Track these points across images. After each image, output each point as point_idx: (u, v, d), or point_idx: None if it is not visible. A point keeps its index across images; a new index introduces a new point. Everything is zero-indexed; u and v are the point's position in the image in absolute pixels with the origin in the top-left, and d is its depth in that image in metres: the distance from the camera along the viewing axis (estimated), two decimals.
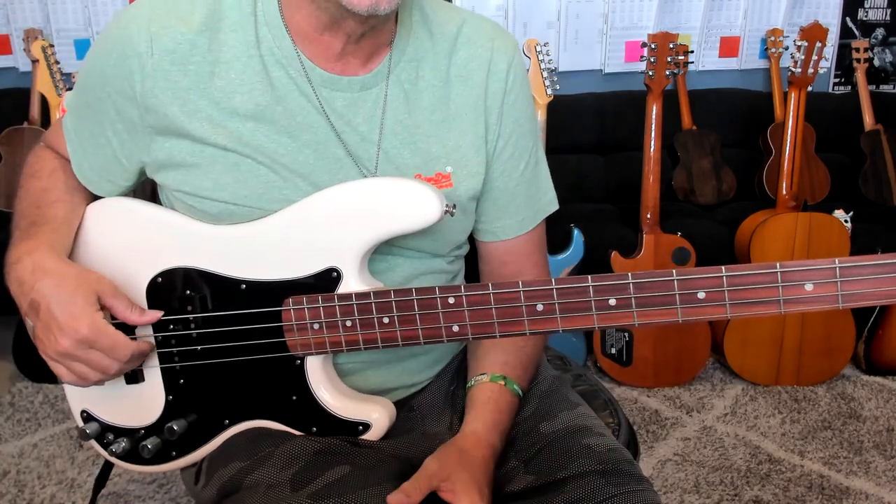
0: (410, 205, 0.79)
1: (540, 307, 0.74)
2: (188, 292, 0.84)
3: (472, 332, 0.76)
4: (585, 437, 0.87)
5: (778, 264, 0.68)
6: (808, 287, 0.68)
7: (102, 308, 0.81)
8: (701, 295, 0.69)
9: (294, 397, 0.84)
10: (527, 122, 0.92)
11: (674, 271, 0.70)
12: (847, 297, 0.67)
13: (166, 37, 0.79)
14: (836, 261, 0.67)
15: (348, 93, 0.83)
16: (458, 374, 0.97)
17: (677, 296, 0.70)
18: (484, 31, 0.89)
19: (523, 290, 0.74)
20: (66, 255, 0.85)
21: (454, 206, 0.82)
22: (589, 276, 0.72)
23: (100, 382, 0.82)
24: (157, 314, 0.84)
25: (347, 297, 0.79)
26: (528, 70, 2.27)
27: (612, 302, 0.71)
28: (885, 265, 0.66)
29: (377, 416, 0.85)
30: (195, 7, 0.80)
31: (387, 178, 0.82)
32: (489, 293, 0.75)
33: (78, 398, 0.91)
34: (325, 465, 0.80)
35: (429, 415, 0.93)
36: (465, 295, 0.75)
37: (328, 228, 0.80)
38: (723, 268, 0.69)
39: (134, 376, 0.87)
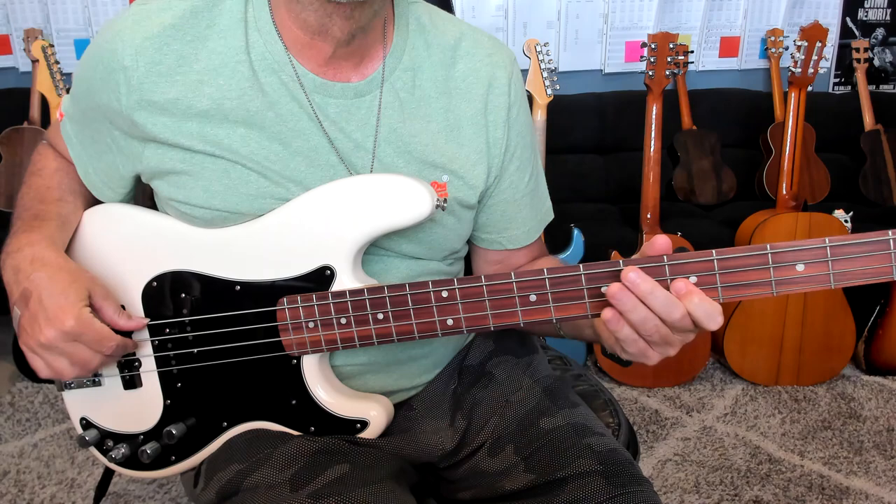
0: (401, 199, 0.79)
1: (533, 297, 0.74)
2: (183, 295, 0.84)
3: (466, 325, 0.76)
4: (586, 437, 0.87)
5: (768, 246, 0.68)
6: (800, 268, 0.68)
7: (92, 308, 0.81)
8: (693, 279, 0.69)
9: (291, 397, 0.84)
10: (528, 133, 0.93)
11: (664, 256, 0.69)
12: (839, 276, 0.67)
13: (152, 48, 0.78)
14: (827, 240, 0.67)
15: (341, 99, 0.83)
16: (458, 374, 0.97)
17: (669, 281, 0.70)
18: (482, 45, 0.89)
19: (516, 282, 0.74)
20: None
21: (445, 201, 0.82)
22: (581, 265, 0.72)
23: (77, 378, 0.82)
24: (143, 320, 0.84)
25: (341, 294, 0.79)
26: (528, 70, 2.27)
27: (605, 289, 0.71)
28: (876, 243, 0.66)
29: (375, 414, 0.85)
30: (182, 16, 0.79)
31: (377, 175, 0.82)
32: (482, 285, 0.75)
33: (77, 406, 0.91)
34: (324, 465, 0.80)
35: (428, 413, 0.93)
36: (459, 288, 0.75)
37: (320, 226, 0.80)
38: (713, 251, 0.69)
39: (132, 382, 0.87)
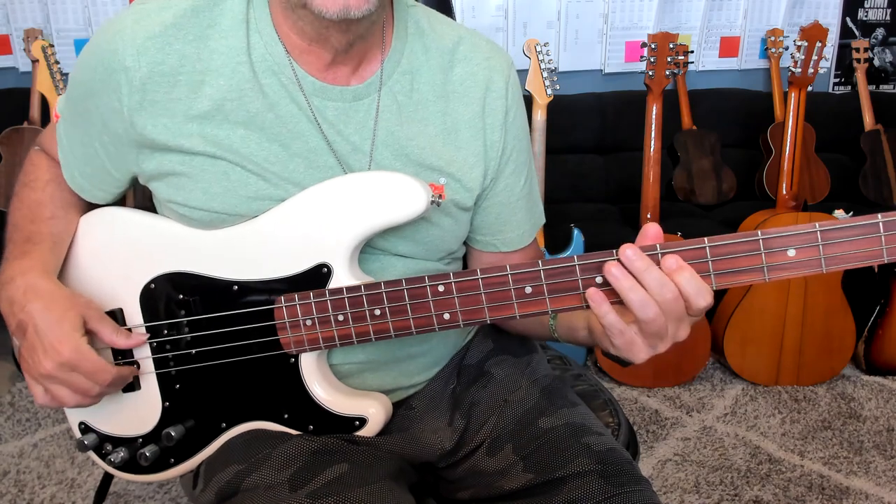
0: (396, 196, 0.79)
1: (528, 290, 0.74)
2: (181, 296, 0.84)
3: (462, 319, 0.77)
4: (584, 436, 0.87)
5: (759, 232, 0.68)
6: (791, 253, 0.68)
7: (89, 332, 0.81)
8: None
9: (289, 396, 0.84)
10: (524, 137, 0.94)
11: (657, 245, 0.70)
12: (830, 260, 0.68)
13: (154, 48, 0.78)
14: (817, 225, 0.67)
15: (340, 102, 0.83)
16: (457, 374, 0.97)
17: (660, 257, 0.70)
18: (480, 49, 0.90)
19: (511, 274, 0.74)
20: (57, 274, 0.86)
21: (440, 197, 0.82)
22: (575, 256, 0.72)
23: (78, 406, 0.83)
24: (142, 337, 0.84)
25: (338, 291, 0.79)
26: (528, 70, 2.27)
27: (600, 280, 0.72)
28: (865, 226, 0.67)
29: (373, 411, 0.85)
30: (183, 15, 0.79)
31: (372, 172, 0.82)
32: (478, 279, 0.75)
33: (76, 410, 0.91)
34: (323, 464, 0.80)
35: (427, 412, 0.93)
36: (455, 282, 0.76)
37: (317, 224, 0.80)
38: (705, 239, 0.70)
39: (130, 384, 0.87)
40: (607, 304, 0.71)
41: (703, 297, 0.69)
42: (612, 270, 0.70)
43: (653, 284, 0.69)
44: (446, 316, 0.77)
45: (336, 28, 0.77)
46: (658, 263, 0.70)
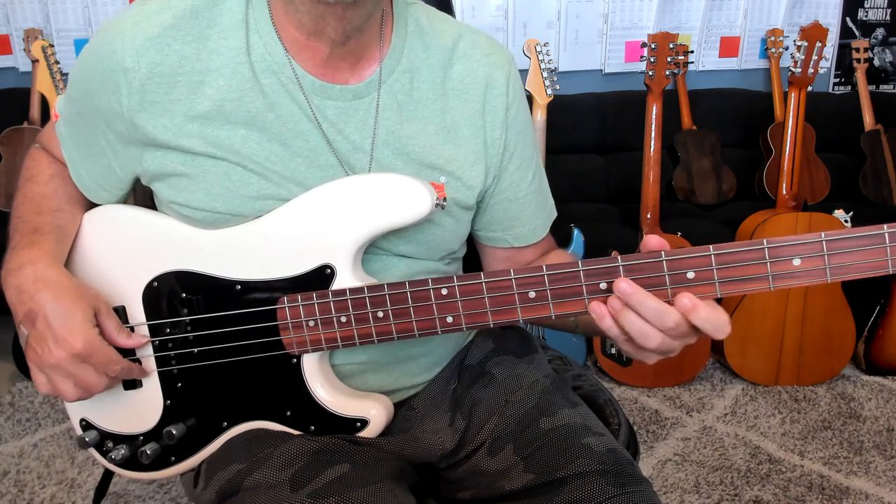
0: (401, 198, 0.79)
1: (532, 294, 0.74)
2: (184, 295, 0.84)
3: (465, 322, 0.77)
4: (585, 437, 0.87)
5: (765, 240, 0.68)
6: (796, 262, 0.68)
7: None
8: (690, 275, 0.70)
9: (291, 396, 0.84)
10: (528, 133, 0.93)
11: (662, 252, 0.70)
12: (835, 269, 0.67)
13: (153, 49, 0.78)
14: (823, 234, 0.67)
15: (340, 101, 0.83)
16: (458, 374, 0.97)
17: (667, 276, 0.70)
18: (479, 46, 0.89)
19: (515, 278, 0.74)
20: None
21: (445, 200, 0.82)
22: (579, 262, 0.72)
23: (78, 399, 0.82)
24: (143, 339, 0.85)
25: (341, 292, 0.79)
26: (528, 70, 2.27)
27: (603, 286, 0.72)
28: (871, 237, 0.66)
29: (375, 413, 0.85)
30: (182, 16, 0.79)
31: (377, 174, 0.82)
32: (481, 282, 0.75)
33: (77, 406, 0.91)
34: (324, 465, 0.80)
35: (428, 413, 0.93)
36: (458, 285, 0.76)
37: (320, 226, 0.80)
38: (710, 247, 0.69)
39: (132, 382, 0.87)
40: (609, 319, 0.71)
41: (721, 332, 0.69)
42: (614, 304, 0.70)
43: (651, 315, 0.69)
44: (449, 319, 0.77)
45: (332, 15, 0.77)
46: (663, 270, 0.70)
